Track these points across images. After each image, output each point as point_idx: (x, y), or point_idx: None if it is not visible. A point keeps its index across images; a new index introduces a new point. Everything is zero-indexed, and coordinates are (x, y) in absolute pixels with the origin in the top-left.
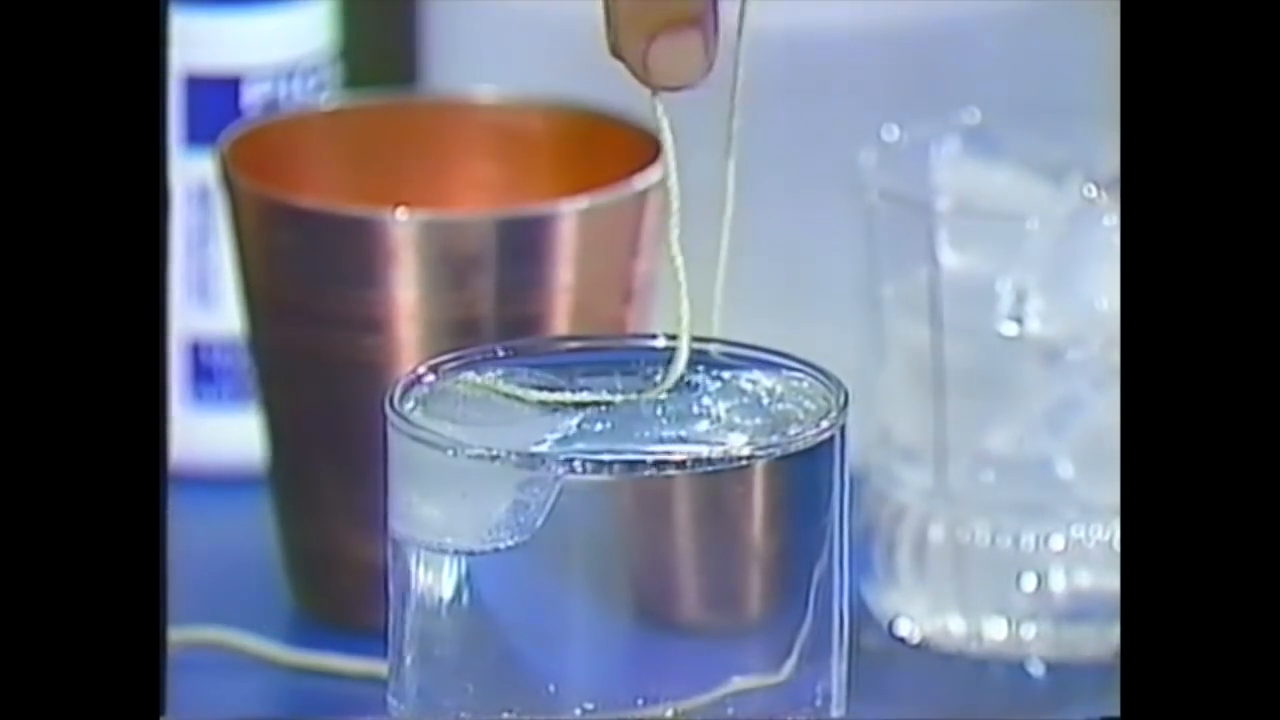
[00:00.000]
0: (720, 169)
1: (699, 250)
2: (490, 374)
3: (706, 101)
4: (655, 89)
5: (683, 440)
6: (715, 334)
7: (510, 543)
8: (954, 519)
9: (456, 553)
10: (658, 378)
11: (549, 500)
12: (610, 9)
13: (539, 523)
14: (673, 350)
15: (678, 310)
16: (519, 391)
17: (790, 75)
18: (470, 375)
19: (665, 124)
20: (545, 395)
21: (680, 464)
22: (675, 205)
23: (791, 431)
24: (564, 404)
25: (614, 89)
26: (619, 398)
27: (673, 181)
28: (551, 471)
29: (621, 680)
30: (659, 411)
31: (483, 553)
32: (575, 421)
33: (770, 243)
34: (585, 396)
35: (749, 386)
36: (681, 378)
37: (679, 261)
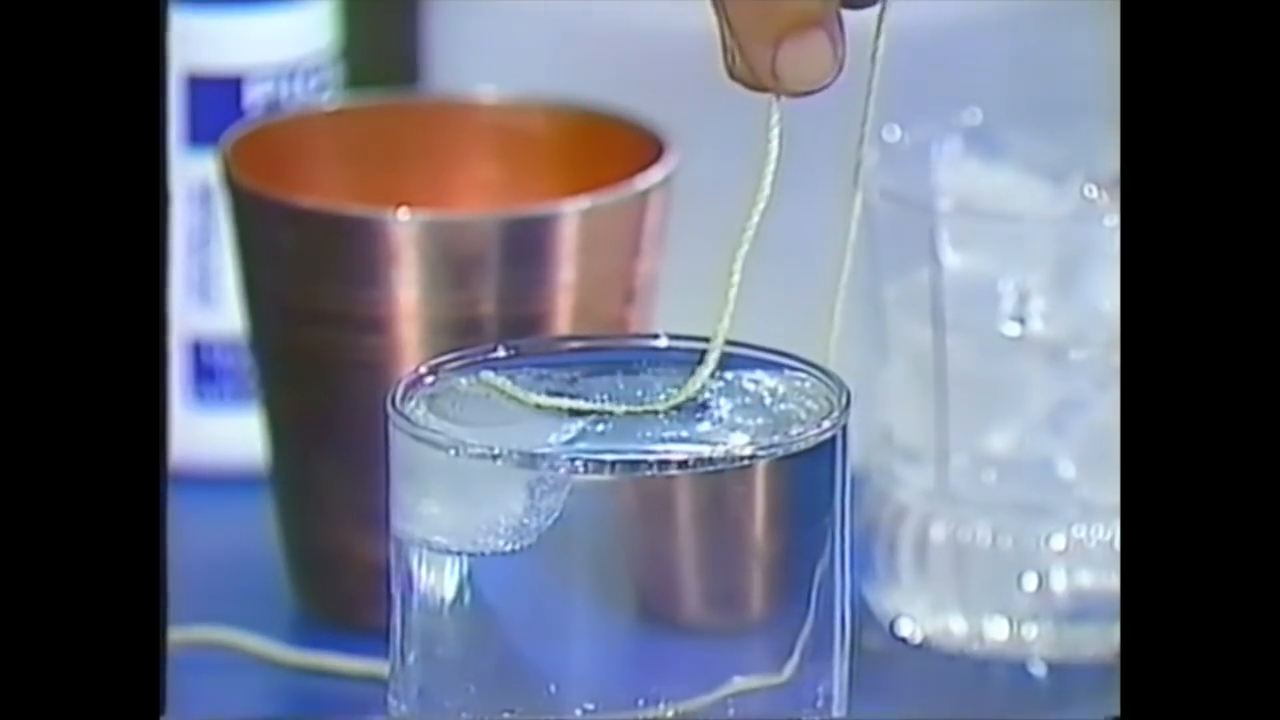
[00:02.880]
0: (722, 169)
1: (703, 249)
2: (502, 375)
3: (708, 101)
4: (788, 95)
5: (685, 440)
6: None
7: (518, 546)
8: (955, 519)
9: (460, 553)
10: (658, 384)
11: (559, 502)
12: (727, 26)
13: (548, 525)
14: (675, 350)
15: (716, 325)
16: (520, 394)
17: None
18: (486, 375)
19: (777, 132)
20: (545, 400)
21: (682, 464)
22: (756, 220)
23: (793, 431)
24: (563, 410)
25: (615, 89)
26: (621, 408)
27: (765, 193)
28: (554, 471)
29: (622, 680)
30: (661, 412)
31: (488, 554)
32: (581, 423)
33: (771, 242)
34: (585, 405)
35: (751, 386)
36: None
37: (736, 278)
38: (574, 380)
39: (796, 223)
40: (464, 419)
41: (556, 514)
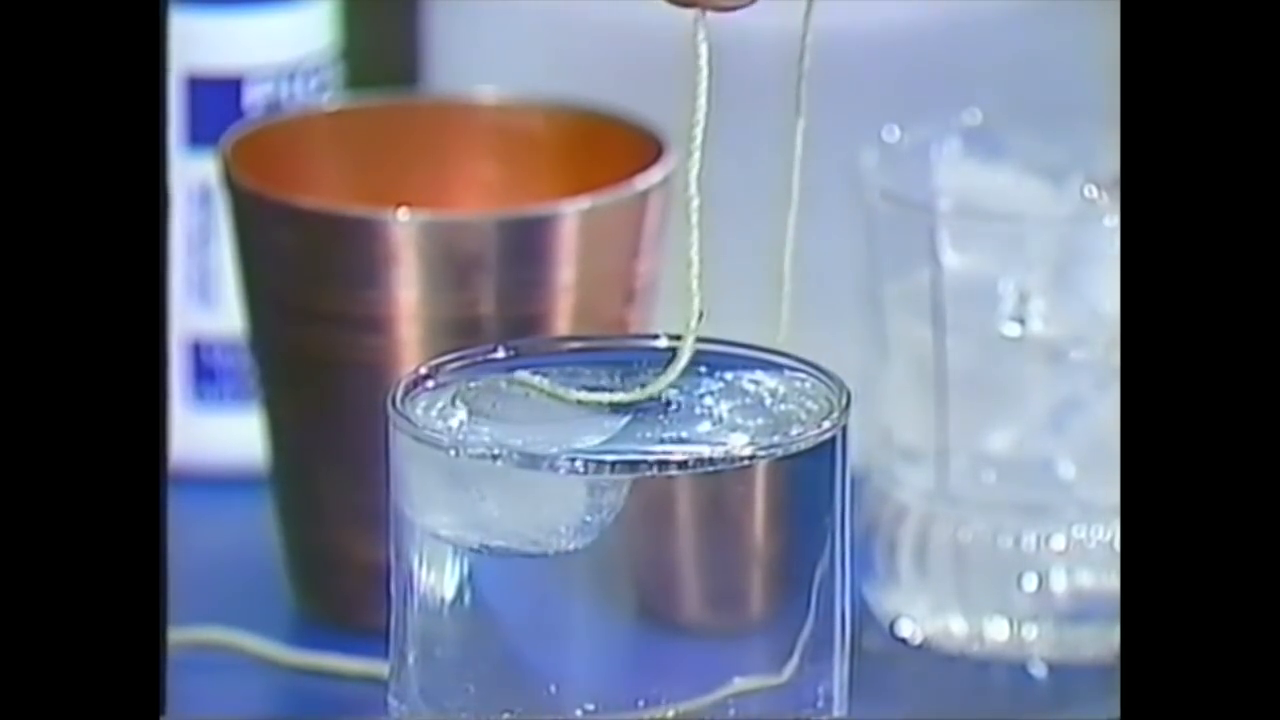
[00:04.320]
0: (722, 168)
1: (703, 249)
2: (539, 374)
3: (709, 101)
4: (713, 9)
5: (685, 440)
6: (784, 341)
7: (581, 544)
8: (955, 519)
9: (519, 555)
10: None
11: (620, 499)
12: None
13: (610, 521)
14: (676, 350)
15: (689, 256)
16: (560, 391)
17: (790, 75)
18: (522, 374)
19: (704, 50)
20: (586, 396)
21: (682, 464)
22: (699, 140)
23: (793, 432)
24: (604, 405)
25: (614, 89)
26: (657, 389)
27: (702, 109)
28: (554, 471)
29: (623, 681)
30: (661, 414)
31: (551, 554)
32: (627, 418)
33: (771, 243)
34: (625, 397)
35: (751, 387)
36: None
37: (695, 204)
38: (615, 375)
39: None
40: (509, 417)
41: (619, 509)
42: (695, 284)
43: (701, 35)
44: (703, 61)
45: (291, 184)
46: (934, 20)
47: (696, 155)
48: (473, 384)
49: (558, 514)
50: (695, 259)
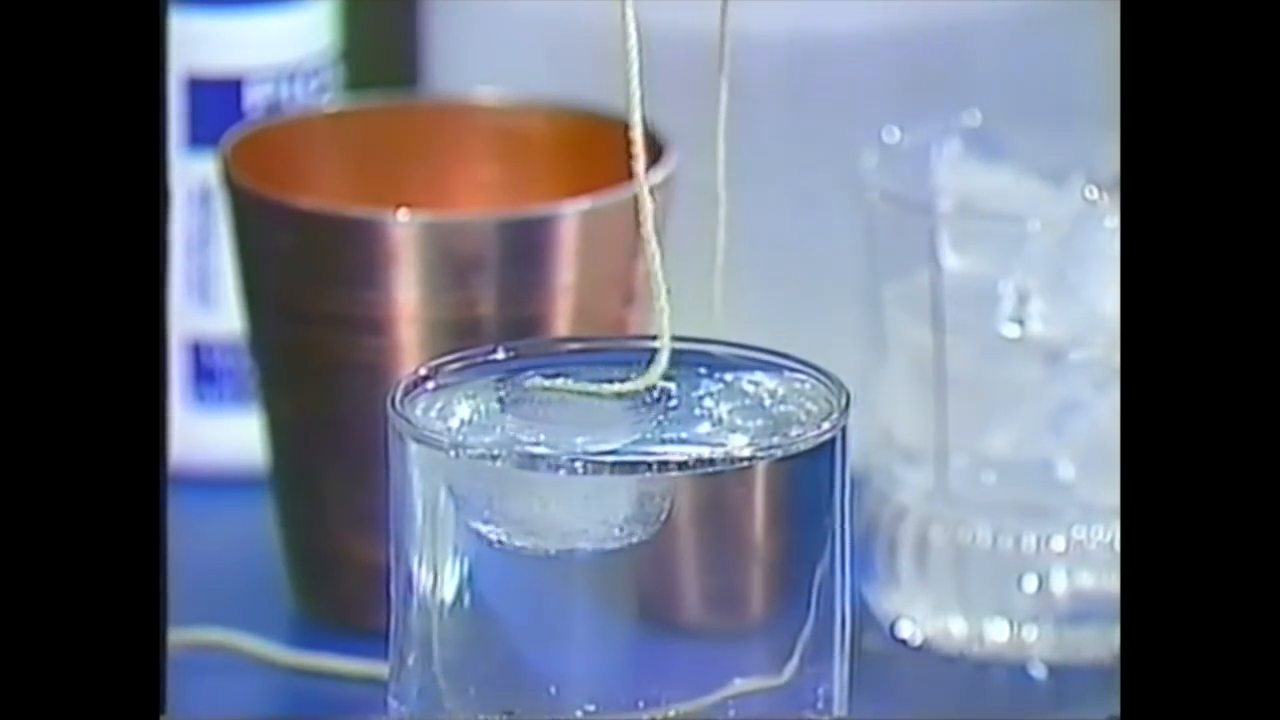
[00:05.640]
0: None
1: (703, 250)
2: (561, 375)
3: (708, 101)
4: None
5: (685, 441)
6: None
7: (644, 536)
8: (955, 520)
9: (572, 556)
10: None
11: (668, 494)
12: None
13: (664, 511)
14: (674, 351)
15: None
16: (593, 387)
17: (790, 76)
18: (537, 379)
19: (631, 14)
20: (623, 387)
21: (682, 464)
22: (639, 112)
23: (793, 433)
24: (640, 391)
25: (614, 90)
26: (658, 371)
27: (635, 85)
28: (554, 472)
29: (623, 682)
30: (663, 414)
31: (609, 550)
32: (654, 423)
33: (771, 243)
34: (635, 384)
35: (751, 388)
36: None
37: (641, 163)
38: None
39: (795, 224)
40: (558, 419)
41: (670, 504)
42: (653, 239)
43: (629, 9)
44: (631, 29)
45: (291, 184)
46: (934, 21)
47: (637, 117)
48: (511, 388)
49: (616, 510)
50: (648, 217)
